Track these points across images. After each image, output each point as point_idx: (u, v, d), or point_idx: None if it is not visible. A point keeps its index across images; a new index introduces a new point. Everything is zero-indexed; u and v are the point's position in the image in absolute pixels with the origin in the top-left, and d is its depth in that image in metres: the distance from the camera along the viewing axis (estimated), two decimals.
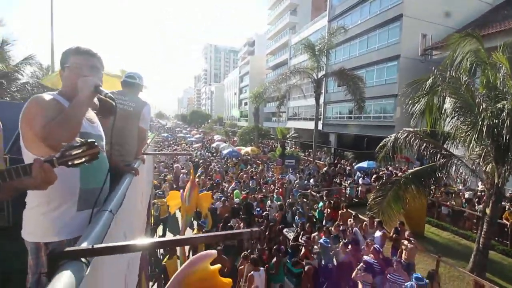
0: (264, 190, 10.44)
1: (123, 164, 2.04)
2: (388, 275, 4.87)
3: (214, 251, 1.45)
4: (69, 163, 0.81)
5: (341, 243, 5.87)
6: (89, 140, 0.85)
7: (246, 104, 50.13)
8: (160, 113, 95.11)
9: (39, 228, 1.15)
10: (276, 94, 21.82)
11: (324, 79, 18.52)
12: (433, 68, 6.84)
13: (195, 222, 8.25)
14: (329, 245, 5.54)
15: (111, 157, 1.97)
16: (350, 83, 16.10)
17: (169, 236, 8.58)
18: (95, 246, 0.76)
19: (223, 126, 54.96)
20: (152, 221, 8.21)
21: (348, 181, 12.91)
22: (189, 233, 6.74)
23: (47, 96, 1.24)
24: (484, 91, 6.29)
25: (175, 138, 34.47)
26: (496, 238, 8.06)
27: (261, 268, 4.94)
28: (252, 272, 4.72)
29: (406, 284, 4.77)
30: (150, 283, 5.72)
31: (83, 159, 0.84)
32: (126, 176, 1.86)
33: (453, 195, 10.01)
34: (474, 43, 6.66)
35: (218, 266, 1.43)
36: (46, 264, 0.73)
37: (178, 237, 1.43)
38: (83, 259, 0.75)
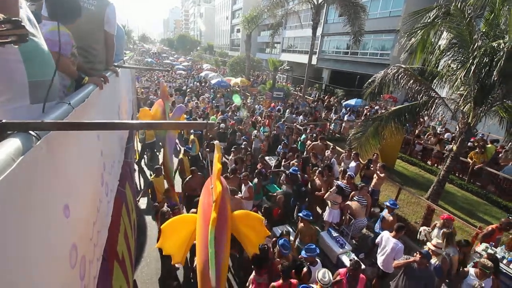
0: (250, 122, 10.58)
1: (92, 71, 1.94)
2: (355, 197, 5.48)
3: None
4: None
5: (317, 170, 6.39)
6: (13, 18, 0.74)
7: (238, 31, 46.09)
8: (144, 36, 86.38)
9: None
10: (271, 22, 19.94)
11: (324, 5, 16.81)
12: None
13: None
14: (298, 173, 6.02)
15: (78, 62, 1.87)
16: (351, 11, 14.73)
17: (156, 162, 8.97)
18: (43, 120, 0.77)
19: (213, 55, 51.59)
20: (139, 146, 8.45)
21: (334, 117, 13.18)
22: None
23: None
24: (485, 29, 5.99)
25: (162, 64, 32.48)
26: (457, 174, 8.95)
27: (249, 183, 5.60)
28: (250, 184, 5.54)
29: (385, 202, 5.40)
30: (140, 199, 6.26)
31: (9, 39, 0.75)
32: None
33: (429, 135, 10.55)
34: None
35: None
36: None
37: (138, 121, 1.49)
38: (31, 132, 0.77)
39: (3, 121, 0.76)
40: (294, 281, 3.38)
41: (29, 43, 1.10)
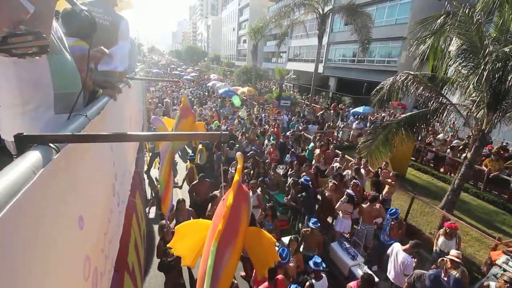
0: (258, 131, 10.60)
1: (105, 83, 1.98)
2: (363, 206, 5.36)
3: None
4: (14, 51, 0.75)
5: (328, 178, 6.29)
6: (35, 30, 0.77)
7: (245, 42, 46.84)
8: (153, 48, 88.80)
9: (19, 127, 1.12)
10: (277, 32, 20.21)
11: (330, 15, 16.99)
12: (447, 5, 6.24)
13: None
14: (309, 183, 5.91)
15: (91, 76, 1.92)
16: (357, 20, 14.82)
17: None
18: (63, 133, 0.78)
19: (220, 65, 52.41)
20: (148, 155, 8.54)
21: (342, 125, 13.08)
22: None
23: None
24: (495, 35, 5.91)
25: (170, 75, 33.13)
26: (472, 183, 8.66)
27: (258, 191, 5.66)
28: (258, 192, 5.67)
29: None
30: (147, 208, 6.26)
31: (31, 50, 0.78)
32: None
33: (440, 142, 10.31)
34: None
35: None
36: (15, 146, 0.75)
37: (153, 133, 1.49)
38: (51, 145, 0.78)
39: (24, 133, 0.78)
40: (280, 276, 3.40)
41: (58, 58, 1.16)
